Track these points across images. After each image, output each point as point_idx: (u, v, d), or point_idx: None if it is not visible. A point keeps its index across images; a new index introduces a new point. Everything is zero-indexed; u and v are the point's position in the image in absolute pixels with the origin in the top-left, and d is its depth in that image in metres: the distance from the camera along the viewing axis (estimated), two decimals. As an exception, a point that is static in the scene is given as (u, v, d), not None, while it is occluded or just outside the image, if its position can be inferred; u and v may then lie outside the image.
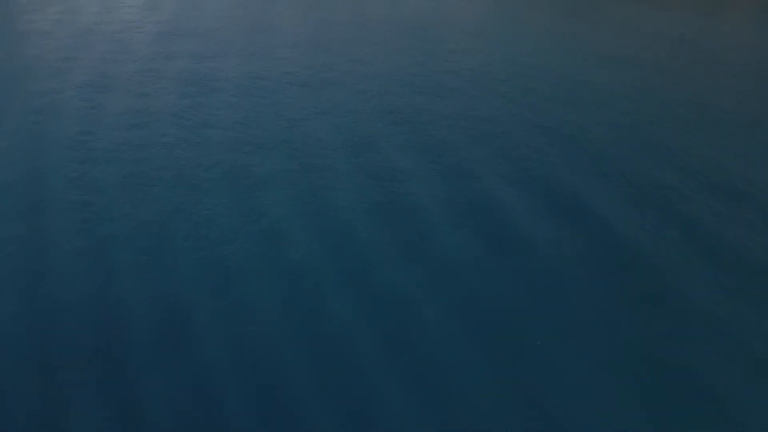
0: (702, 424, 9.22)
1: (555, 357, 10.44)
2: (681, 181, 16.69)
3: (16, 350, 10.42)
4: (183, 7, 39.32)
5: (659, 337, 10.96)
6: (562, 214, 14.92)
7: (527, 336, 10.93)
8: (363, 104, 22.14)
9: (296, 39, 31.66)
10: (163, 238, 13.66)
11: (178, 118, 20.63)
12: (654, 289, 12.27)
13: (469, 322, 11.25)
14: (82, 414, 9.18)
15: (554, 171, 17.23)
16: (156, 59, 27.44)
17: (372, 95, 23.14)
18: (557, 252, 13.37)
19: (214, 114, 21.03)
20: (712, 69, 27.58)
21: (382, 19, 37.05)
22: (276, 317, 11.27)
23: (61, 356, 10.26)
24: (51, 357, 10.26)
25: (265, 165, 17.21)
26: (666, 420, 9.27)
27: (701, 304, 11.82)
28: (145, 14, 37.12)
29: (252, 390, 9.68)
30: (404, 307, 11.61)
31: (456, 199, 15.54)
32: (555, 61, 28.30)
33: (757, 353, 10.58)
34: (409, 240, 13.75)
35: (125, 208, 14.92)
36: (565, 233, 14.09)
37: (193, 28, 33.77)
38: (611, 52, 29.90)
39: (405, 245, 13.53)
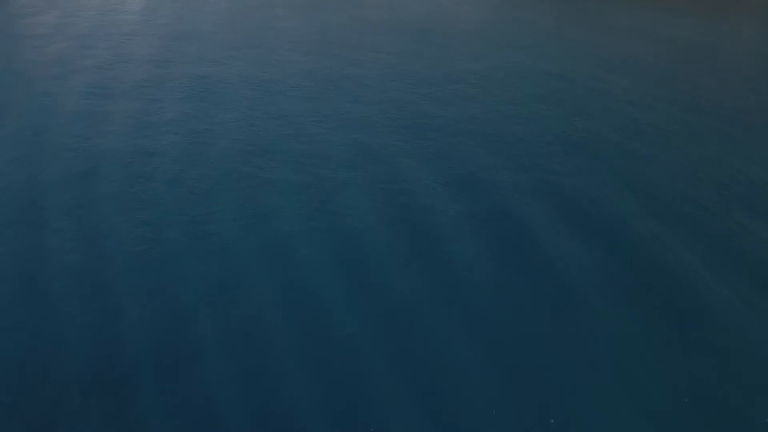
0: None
1: (576, 379, 9.93)
2: (701, 192, 16.16)
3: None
4: (183, 10, 38.85)
5: (691, 360, 10.46)
6: (580, 226, 14.36)
7: (547, 357, 10.42)
8: (367, 109, 21.64)
9: (297, 43, 31.19)
10: (161, 250, 13.15)
11: (180, 123, 20.13)
12: (681, 308, 11.77)
13: (483, 338, 10.73)
14: None
15: (570, 180, 16.66)
16: (158, 63, 26.96)
17: (376, 100, 22.64)
18: (578, 267, 12.83)
19: (217, 120, 20.51)
20: (724, 74, 27.14)
21: (383, 22, 36.61)
22: (290, 338, 10.76)
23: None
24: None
25: (271, 174, 16.71)
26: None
27: (732, 322, 11.31)
28: (146, 17, 36.64)
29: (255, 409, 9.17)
30: (416, 322, 11.09)
31: (470, 211, 14.94)
32: (562, 65, 27.85)
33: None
34: (422, 252, 13.22)
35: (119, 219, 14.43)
36: (584, 246, 13.56)
37: (193, 31, 33.27)
38: (618, 56, 29.47)
39: (418, 258, 13.00)
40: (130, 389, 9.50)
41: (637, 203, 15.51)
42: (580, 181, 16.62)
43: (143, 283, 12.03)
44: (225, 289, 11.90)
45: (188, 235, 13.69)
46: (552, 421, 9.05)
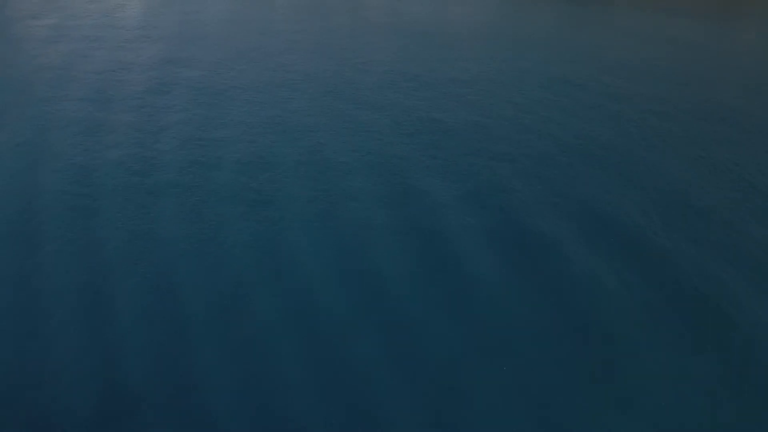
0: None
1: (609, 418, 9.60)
2: (721, 203, 15.80)
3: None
4: (182, 13, 38.44)
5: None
6: (602, 242, 13.91)
7: (575, 390, 10.09)
8: (373, 115, 21.27)
9: (297, 46, 30.82)
10: (162, 259, 12.79)
11: (183, 130, 19.76)
12: (721, 334, 11.44)
13: (502, 362, 10.40)
14: None
15: (587, 192, 16.18)
16: (160, 68, 26.56)
17: (381, 106, 22.27)
18: (602, 288, 12.50)
19: (217, 129, 20.14)
20: (733, 77, 26.85)
21: (384, 25, 36.25)
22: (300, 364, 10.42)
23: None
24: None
25: (276, 185, 16.35)
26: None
27: None
28: (146, 20, 36.24)
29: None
30: (428, 341, 10.76)
31: (484, 225, 14.54)
32: (567, 69, 27.53)
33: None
34: (436, 268, 12.87)
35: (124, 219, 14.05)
36: (607, 264, 13.17)
37: (194, 34, 32.87)
38: (623, 60, 29.16)
39: (431, 274, 12.66)
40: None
41: (658, 217, 15.02)
42: (598, 194, 16.14)
43: (142, 295, 11.69)
44: (235, 322, 11.55)
45: (191, 247, 13.34)
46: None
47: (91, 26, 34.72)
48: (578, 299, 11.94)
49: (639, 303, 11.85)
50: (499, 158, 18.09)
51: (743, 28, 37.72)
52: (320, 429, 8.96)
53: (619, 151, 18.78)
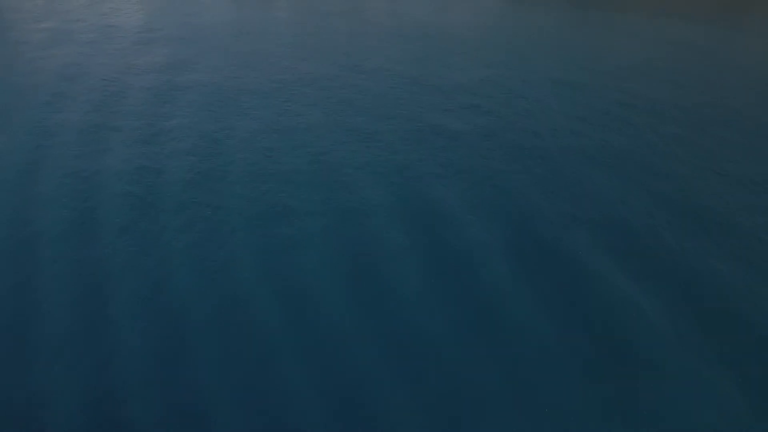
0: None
1: None
2: (750, 218, 15.60)
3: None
4: (183, 15, 38.03)
5: None
6: (633, 263, 13.56)
7: None
8: (378, 124, 20.99)
9: (298, 50, 30.50)
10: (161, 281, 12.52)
11: (186, 138, 19.46)
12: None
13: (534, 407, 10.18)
14: None
15: (609, 207, 15.65)
16: (161, 72, 26.23)
17: (386, 114, 21.99)
18: (639, 316, 12.27)
19: (221, 136, 19.85)
20: (745, 83, 26.68)
21: (385, 28, 35.95)
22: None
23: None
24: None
25: (283, 195, 16.07)
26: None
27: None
28: (146, 24, 35.85)
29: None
30: (442, 359, 10.53)
31: (503, 239, 14.20)
32: (574, 74, 27.31)
33: None
34: (453, 284, 12.63)
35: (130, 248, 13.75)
36: (640, 288, 12.93)
37: (194, 38, 32.51)
38: (632, 64, 28.97)
39: (448, 289, 12.42)
40: None
41: (689, 235, 14.46)
42: (623, 211, 15.58)
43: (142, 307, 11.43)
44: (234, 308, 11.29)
45: (195, 269, 13.07)
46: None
47: (89, 30, 34.30)
48: (616, 330, 11.73)
49: (682, 336, 11.63)
50: (509, 167, 17.84)
51: (750, 32, 37.60)
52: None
53: (633, 159, 18.57)
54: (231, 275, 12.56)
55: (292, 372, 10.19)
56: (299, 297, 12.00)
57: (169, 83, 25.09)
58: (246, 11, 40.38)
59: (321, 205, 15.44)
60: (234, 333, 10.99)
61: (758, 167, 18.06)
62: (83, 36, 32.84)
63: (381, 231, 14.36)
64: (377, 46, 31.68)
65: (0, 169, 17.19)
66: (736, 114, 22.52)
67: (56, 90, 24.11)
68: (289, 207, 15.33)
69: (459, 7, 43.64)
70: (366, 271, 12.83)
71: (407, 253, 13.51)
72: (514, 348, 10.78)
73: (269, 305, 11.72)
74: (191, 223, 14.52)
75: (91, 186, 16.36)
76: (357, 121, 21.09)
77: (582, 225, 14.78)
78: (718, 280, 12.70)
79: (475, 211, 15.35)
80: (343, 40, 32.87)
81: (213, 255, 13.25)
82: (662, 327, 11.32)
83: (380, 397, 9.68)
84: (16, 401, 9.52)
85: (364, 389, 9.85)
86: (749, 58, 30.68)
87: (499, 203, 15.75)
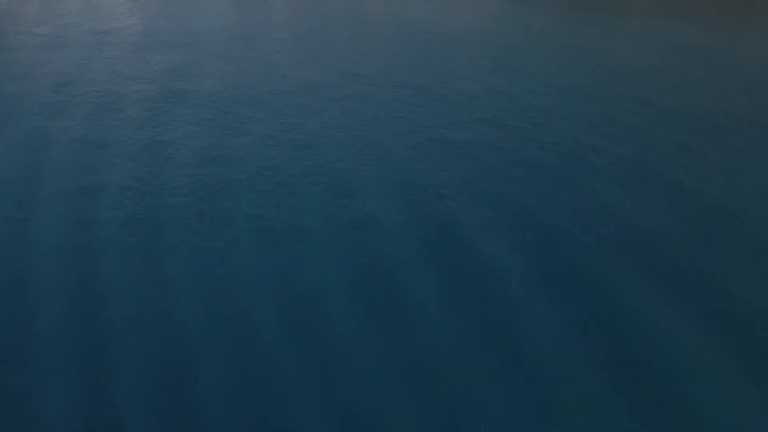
0: None
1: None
2: None
3: None
4: (177, 20, 37.40)
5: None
6: (671, 294, 12.72)
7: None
8: (384, 136, 20.36)
9: (299, 55, 29.87)
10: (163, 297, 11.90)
11: (184, 148, 18.85)
12: None
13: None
14: None
15: (643, 229, 14.76)
16: (160, 80, 25.59)
17: (390, 124, 21.36)
18: (684, 353, 11.64)
19: (226, 148, 19.22)
20: (758, 90, 26.11)
21: (385, 31, 35.35)
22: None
23: None
24: None
25: (293, 214, 15.46)
26: None
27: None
28: (145, 29, 35.19)
29: None
30: (464, 386, 9.95)
31: (531, 264, 13.44)
32: (582, 81, 26.71)
33: None
34: (478, 309, 12.00)
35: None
36: (684, 320, 12.18)
37: (194, 43, 31.88)
38: (642, 69, 28.39)
39: (472, 314, 11.76)
40: None
41: (732, 261, 13.60)
42: (658, 232, 14.57)
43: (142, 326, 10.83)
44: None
45: (203, 297, 12.46)
46: None
47: (83, 36, 33.65)
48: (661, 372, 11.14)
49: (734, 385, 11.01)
50: (520, 180, 17.20)
51: (754, 33, 37.05)
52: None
53: (649, 169, 17.95)
54: (233, 290, 11.97)
55: (298, 387, 9.62)
56: (305, 312, 11.42)
57: (165, 91, 24.47)
58: (244, 15, 39.76)
59: (324, 219, 14.85)
60: (238, 346, 10.40)
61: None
62: (77, 42, 32.20)
63: (388, 246, 13.76)
64: (379, 51, 31.09)
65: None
66: (750, 123, 21.94)
67: (48, 99, 23.47)
68: (294, 223, 14.73)
69: (459, 8, 43.08)
70: (374, 285, 12.24)
71: (420, 272, 12.90)
72: (533, 371, 10.20)
73: (274, 320, 11.13)
74: (187, 238, 13.91)
75: (84, 199, 15.75)
76: (360, 133, 20.47)
77: (610, 248, 14.15)
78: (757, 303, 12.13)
79: (487, 227, 14.72)
80: (344, 46, 32.26)
81: (214, 269, 12.65)
82: (693, 351, 10.74)
83: (395, 416, 9.12)
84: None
85: (374, 406, 9.28)
86: (755, 61, 30.12)
87: (513, 217, 15.13)
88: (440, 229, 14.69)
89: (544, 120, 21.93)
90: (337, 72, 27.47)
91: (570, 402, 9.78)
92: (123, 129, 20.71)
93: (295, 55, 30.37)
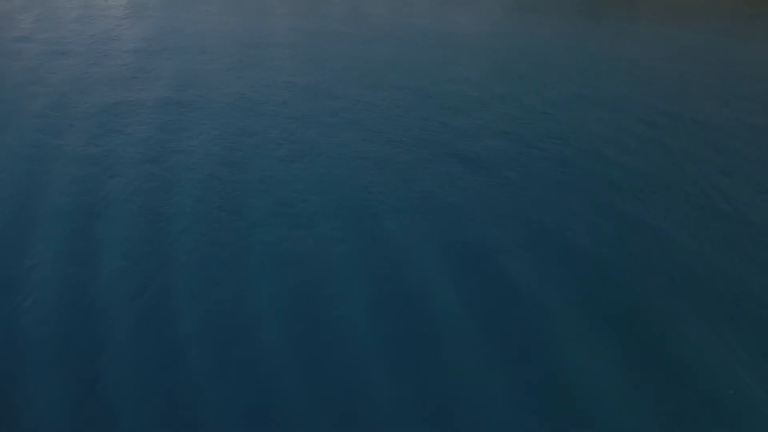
0: None
1: None
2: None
3: None
4: (170, 20, 36.66)
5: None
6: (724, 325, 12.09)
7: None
8: (395, 149, 19.59)
9: (298, 62, 29.13)
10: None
11: (183, 163, 18.10)
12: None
13: None
14: None
15: (691, 256, 13.72)
16: (159, 91, 24.84)
17: (400, 139, 20.60)
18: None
19: (229, 161, 18.48)
20: None
21: (385, 34, 34.63)
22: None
23: None
24: None
25: (303, 235, 14.71)
26: None
27: None
28: (144, 35, 34.44)
29: None
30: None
31: (560, 287, 12.73)
32: (584, 86, 26.03)
33: None
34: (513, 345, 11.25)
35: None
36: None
37: (194, 47, 31.12)
38: (654, 77, 27.75)
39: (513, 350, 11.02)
40: None
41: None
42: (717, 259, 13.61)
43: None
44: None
45: (205, 320, 11.71)
46: None
47: (80, 44, 32.93)
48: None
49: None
50: (542, 197, 16.45)
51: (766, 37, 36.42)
52: None
53: (677, 191, 17.23)
54: (245, 307, 11.26)
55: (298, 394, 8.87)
56: (318, 333, 10.74)
57: (167, 101, 23.74)
58: (243, 18, 39.05)
59: (339, 232, 14.25)
60: (240, 361, 9.67)
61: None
62: (73, 50, 31.45)
63: (406, 264, 13.13)
64: (384, 56, 30.38)
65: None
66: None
67: (44, 110, 22.70)
68: (304, 239, 14.02)
69: (465, 11, 42.40)
70: (390, 302, 11.67)
71: (448, 293, 12.19)
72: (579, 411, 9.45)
73: (284, 335, 10.40)
74: (203, 255, 13.21)
75: (83, 212, 15.00)
76: (367, 146, 19.73)
77: (646, 276, 13.43)
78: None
79: (511, 249, 13.98)
80: (345, 50, 31.52)
81: (226, 287, 11.91)
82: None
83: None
84: None
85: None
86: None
87: (538, 239, 14.40)
88: (462, 247, 14.00)
89: (561, 132, 21.21)
90: (339, 79, 26.76)
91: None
92: (121, 139, 19.97)
93: (295, 60, 29.67)
